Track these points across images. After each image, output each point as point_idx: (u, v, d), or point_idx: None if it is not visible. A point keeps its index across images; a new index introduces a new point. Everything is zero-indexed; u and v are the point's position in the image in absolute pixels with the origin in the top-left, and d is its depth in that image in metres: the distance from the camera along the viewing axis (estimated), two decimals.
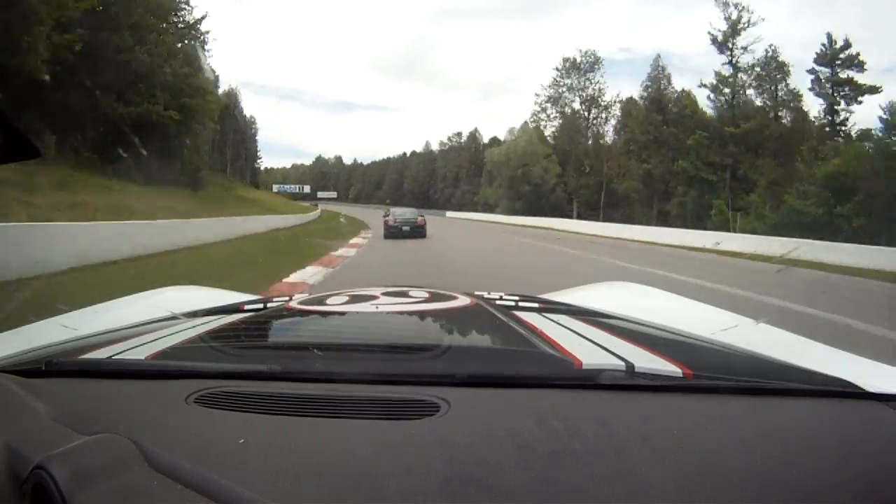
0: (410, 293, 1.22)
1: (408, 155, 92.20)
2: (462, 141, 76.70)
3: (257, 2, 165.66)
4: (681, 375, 0.69)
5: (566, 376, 0.70)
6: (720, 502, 0.49)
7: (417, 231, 17.90)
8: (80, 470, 0.48)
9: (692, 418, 0.63)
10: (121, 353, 0.84)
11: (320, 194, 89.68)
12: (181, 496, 0.47)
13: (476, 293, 1.26)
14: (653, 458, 0.54)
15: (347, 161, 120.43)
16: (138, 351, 0.84)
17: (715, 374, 0.72)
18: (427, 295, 1.20)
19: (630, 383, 0.69)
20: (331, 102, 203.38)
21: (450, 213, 57.42)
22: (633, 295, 1.73)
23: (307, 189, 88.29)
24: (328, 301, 1.15)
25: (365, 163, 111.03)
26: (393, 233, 17.56)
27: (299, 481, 0.50)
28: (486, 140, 72.11)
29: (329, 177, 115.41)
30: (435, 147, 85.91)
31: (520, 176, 47.24)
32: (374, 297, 1.14)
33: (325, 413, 0.63)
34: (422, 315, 1.09)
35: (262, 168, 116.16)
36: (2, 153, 0.77)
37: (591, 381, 0.69)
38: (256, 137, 71.80)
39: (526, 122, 53.19)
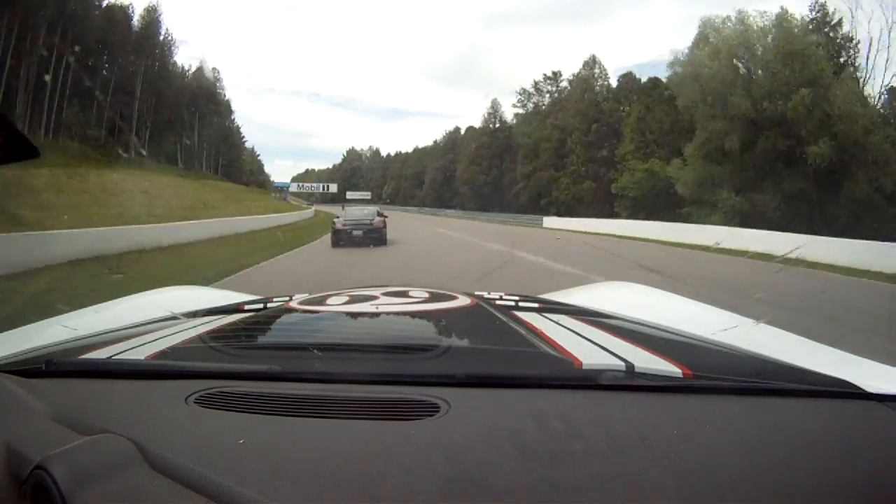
0: (411, 293, 1.21)
1: (462, 131, 60.56)
2: (562, 87, 42.10)
3: (310, 12, 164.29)
4: (681, 375, 0.69)
5: (566, 376, 0.70)
6: (720, 502, 0.49)
7: (372, 236, 13.43)
8: (80, 470, 0.48)
9: (692, 418, 0.63)
10: (121, 353, 0.85)
11: (350, 195, 71.15)
12: (181, 496, 0.47)
13: (476, 293, 1.26)
14: (653, 458, 0.54)
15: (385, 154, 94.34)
16: (138, 351, 0.85)
17: (715, 374, 0.72)
18: (427, 295, 1.20)
19: (630, 383, 0.69)
20: (383, 110, 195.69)
21: (552, 220, 29.17)
22: (633, 295, 1.73)
23: (333, 188, 74.08)
24: (328, 301, 1.15)
25: (405, 152, 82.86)
26: (342, 239, 13.36)
27: (299, 481, 0.50)
28: (611, 79, 39.01)
29: (361, 173, 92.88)
30: (508, 109, 55.37)
31: (788, 113, 18.47)
32: (374, 298, 1.14)
33: (324, 413, 0.63)
34: (422, 315, 1.09)
35: (307, 169, 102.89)
36: (2, 153, 0.77)
37: (591, 381, 0.69)
38: (234, 119, 59.96)
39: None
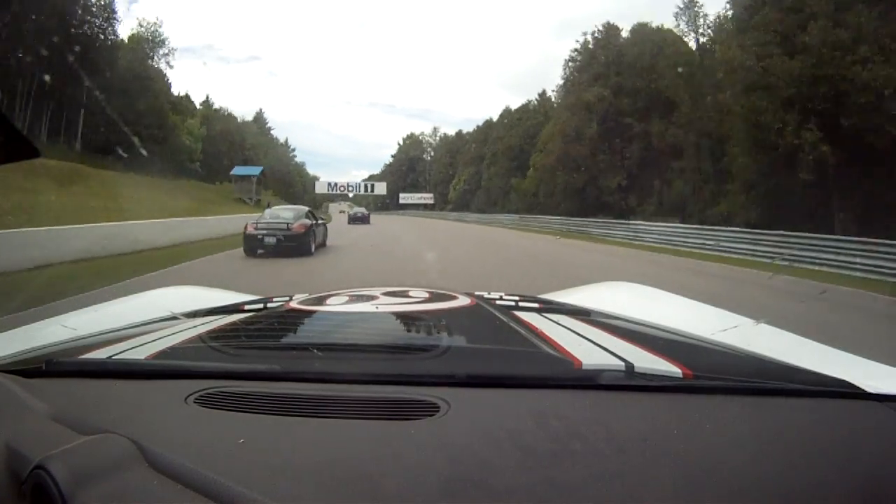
0: (410, 293, 1.22)
1: (623, 34, 28.52)
2: None
3: (381, 25, 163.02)
4: (680, 375, 0.69)
5: (566, 376, 0.70)
6: (720, 502, 0.49)
7: (288, 245, 10.72)
8: (79, 470, 0.48)
9: (692, 418, 0.63)
10: (121, 353, 0.85)
11: (404, 197, 53.10)
12: (181, 496, 0.47)
13: (476, 293, 1.26)
14: (653, 458, 0.54)
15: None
16: (138, 351, 0.85)
17: (715, 374, 0.72)
18: (427, 295, 1.20)
19: (630, 383, 0.69)
20: (459, 120, 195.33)
21: None
22: (633, 295, 1.73)
23: (380, 190, 52.32)
24: (328, 301, 1.16)
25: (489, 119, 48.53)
26: (254, 247, 10.92)
27: (299, 481, 0.50)
28: None
29: (422, 166, 63.48)
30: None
31: None
32: (374, 297, 1.14)
33: (325, 413, 0.63)
34: (422, 315, 1.09)
35: (370, 174, 68.44)
36: (2, 153, 0.77)
37: (591, 381, 0.69)
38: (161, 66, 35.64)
39: None
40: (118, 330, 1.04)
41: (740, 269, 11.11)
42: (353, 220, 29.79)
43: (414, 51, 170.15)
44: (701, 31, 24.13)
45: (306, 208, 13.31)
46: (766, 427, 0.62)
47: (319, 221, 12.69)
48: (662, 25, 26.42)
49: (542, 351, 0.79)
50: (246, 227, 11.24)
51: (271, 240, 10.75)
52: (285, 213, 12.06)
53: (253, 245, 10.88)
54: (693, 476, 0.52)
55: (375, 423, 0.61)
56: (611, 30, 29.13)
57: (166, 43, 38.04)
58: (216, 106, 47.75)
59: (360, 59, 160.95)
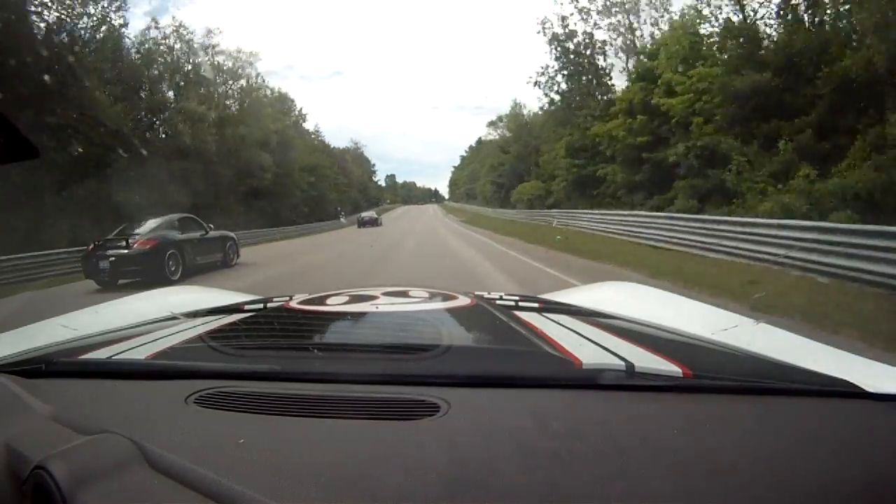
0: (411, 293, 1.22)
1: None
2: None
3: (466, 29, 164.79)
4: (681, 375, 0.69)
5: (566, 376, 0.70)
6: (720, 502, 0.49)
7: (127, 269, 8.64)
8: (80, 470, 0.48)
9: (692, 418, 0.63)
10: (121, 353, 0.85)
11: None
12: (181, 496, 0.47)
13: (476, 293, 1.26)
14: (653, 458, 0.54)
15: None
16: (138, 351, 0.85)
17: (715, 374, 0.72)
18: (427, 295, 1.21)
19: (630, 383, 0.69)
20: None
21: None
22: (633, 295, 1.72)
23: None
24: (328, 301, 1.16)
25: None
26: (93, 273, 8.80)
27: (299, 481, 0.50)
28: None
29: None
30: None
31: None
32: (374, 297, 1.14)
33: (324, 413, 0.63)
34: (422, 315, 1.09)
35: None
36: (2, 153, 0.77)
37: (591, 381, 0.69)
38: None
39: None
40: (118, 330, 1.04)
41: None
42: (362, 223, 30.93)
43: (498, 49, 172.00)
44: None
45: (179, 216, 10.24)
46: (766, 427, 0.62)
47: (206, 234, 10.14)
48: None
49: (542, 351, 0.79)
50: (86, 248, 9.00)
51: (105, 263, 8.46)
52: (143, 224, 9.49)
53: (88, 269, 8.69)
54: (693, 475, 0.52)
55: (376, 423, 0.61)
56: None
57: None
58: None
59: (443, 62, 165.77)
